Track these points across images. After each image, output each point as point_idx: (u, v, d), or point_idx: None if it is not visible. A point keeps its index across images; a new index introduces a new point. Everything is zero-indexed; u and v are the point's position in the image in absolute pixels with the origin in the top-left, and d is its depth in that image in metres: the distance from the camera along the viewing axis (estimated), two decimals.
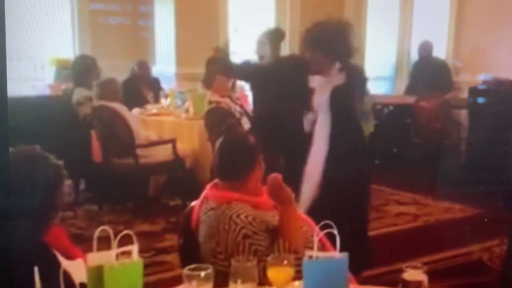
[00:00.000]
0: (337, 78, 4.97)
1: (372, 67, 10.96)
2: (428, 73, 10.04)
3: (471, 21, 10.46)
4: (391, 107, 9.74)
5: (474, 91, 9.27)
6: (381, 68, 11.39)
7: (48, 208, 2.92)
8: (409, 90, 10.41)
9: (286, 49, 10.26)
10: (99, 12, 9.13)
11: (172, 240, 6.12)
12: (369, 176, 5.31)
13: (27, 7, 8.26)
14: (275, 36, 6.59)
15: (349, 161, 4.89)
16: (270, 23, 10.68)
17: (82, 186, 7.44)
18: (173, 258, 5.60)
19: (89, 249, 2.38)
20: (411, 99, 9.86)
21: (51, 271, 2.42)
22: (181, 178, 7.26)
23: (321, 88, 5.01)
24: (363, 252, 4.80)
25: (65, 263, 2.63)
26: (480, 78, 9.64)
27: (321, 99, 4.98)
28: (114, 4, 9.21)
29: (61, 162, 2.99)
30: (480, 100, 9.07)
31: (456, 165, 8.68)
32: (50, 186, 2.92)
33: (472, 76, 9.87)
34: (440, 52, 10.63)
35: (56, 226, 2.98)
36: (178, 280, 2.66)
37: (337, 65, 4.99)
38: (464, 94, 9.65)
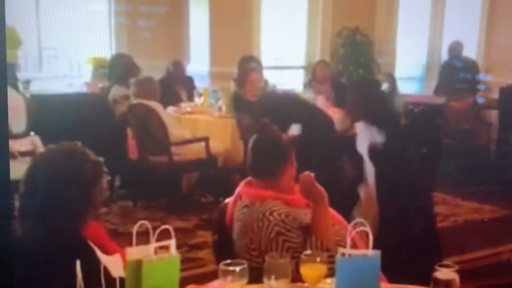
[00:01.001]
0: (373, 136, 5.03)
1: (403, 67, 10.97)
2: (457, 73, 10.01)
3: (503, 22, 10.40)
4: (421, 107, 9.72)
5: (504, 92, 9.26)
6: (412, 68, 11.38)
7: (86, 203, 2.98)
8: (438, 90, 10.38)
9: (317, 50, 10.33)
10: (136, 12, 9.19)
11: (204, 236, 6.19)
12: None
13: (64, 5, 8.35)
14: None
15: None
16: (302, 23, 10.72)
17: (117, 182, 7.49)
18: (205, 254, 5.67)
19: (124, 244, 2.44)
20: (441, 99, 9.83)
21: (90, 265, 2.49)
22: (214, 176, 7.32)
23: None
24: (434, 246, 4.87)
25: (104, 258, 2.69)
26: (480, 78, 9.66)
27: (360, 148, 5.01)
28: (150, 4, 9.26)
29: (101, 159, 3.04)
30: (511, 99, 9.04)
31: (486, 166, 8.66)
32: (88, 181, 2.97)
33: (503, 77, 9.83)
34: (471, 52, 10.59)
35: (94, 222, 3.03)
36: (210, 276, 2.73)
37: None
38: (495, 95, 9.63)
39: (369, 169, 4.92)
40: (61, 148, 3.01)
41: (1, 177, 2.59)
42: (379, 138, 4.92)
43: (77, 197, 2.90)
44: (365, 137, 4.95)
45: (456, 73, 10.04)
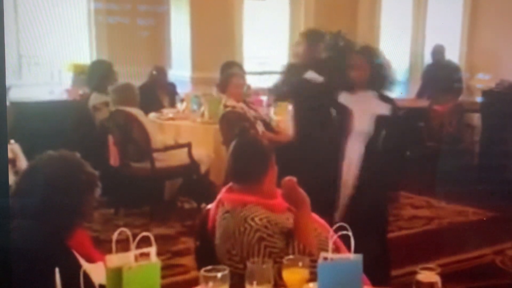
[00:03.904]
0: (380, 107, 5.01)
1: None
2: (440, 77, 10.04)
3: (484, 25, 10.45)
4: (404, 111, 9.73)
5: (486, 94, 9.30)
6: (395, 72, 11.38)
7: (75, 213, 2.96)
8: (420, 93, 10.42)
9: None
10: (117, 19, 9.16)
11: (187, 243, 6.16)
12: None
13: (44, 13, 8.31)
14: (310, 37, 6.55)
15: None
16: (284, 27, 10.72)
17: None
18: (188, 261, 5.64)
19: (105, 251, 2.42)
20: (424, 103, 9.85)
21: (72, 273, 2.46)
22: (197, 182, 7.29)
23: (361, 113, 5.02)
24: (382, 255, 4.84)
25: (85, 265, 2.67)
26: (479, 77, 9.70)
27: (361, 125, 5.00)
28: (131, 11, 9.24)
29: (96, 172, 3.03)
30: (492, 102, 9.08)
31: (469, 168, 8.69)
32: (80, 192, 2.96)
33: (485, 80, 9.87)
34: (453, 55, 10.62)
35: (81, 231, 3.02)
36: (193, 283, 2.70)
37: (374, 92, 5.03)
38: (476, 98, 9.68)
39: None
40: (59, 156, 3.00)
41: (0, 177, 2.56)
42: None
43: (68, 205, 2.89)
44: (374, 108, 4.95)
45: (438, 76, 10.08)
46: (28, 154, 4.87)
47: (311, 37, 6.56)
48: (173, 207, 7.42)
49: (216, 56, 8.92)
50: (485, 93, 9.32)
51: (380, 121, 4.94)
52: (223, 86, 7.43)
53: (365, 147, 4.95)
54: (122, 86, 7.25)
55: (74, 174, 2.95)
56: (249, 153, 3.41)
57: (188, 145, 7.11)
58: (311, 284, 2.65)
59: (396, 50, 11.25)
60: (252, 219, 3.15)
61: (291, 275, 2.64)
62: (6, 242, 2.53)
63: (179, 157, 7.15)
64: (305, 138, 5.57)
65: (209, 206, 3.49)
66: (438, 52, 10.33)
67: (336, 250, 2.80)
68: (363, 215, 4.66)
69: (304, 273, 2.63)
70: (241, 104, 7.19)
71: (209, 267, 2.54)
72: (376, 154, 4.95)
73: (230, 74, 7.63)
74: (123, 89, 7.17)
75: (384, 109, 5.00)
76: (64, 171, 2.95)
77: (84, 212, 3.00)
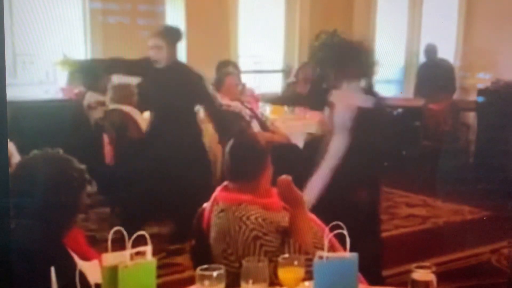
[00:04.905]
0: (362, 100, 4.89)
1: (381, 70, 10.98)
2: (433, 75, 10.05)
3: (480, 24, 10.46)
4: (400, 110, 9.74)
5: (482, 93, 9.31)
6: (390, 71, 11.39)
7: (71, 210, 2.96)
8: (417, 92, 10.43)
9: (295, 54, 10.33)
10: (112, 16, 9.15)
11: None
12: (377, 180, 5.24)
13: (39, 11, 8.29)
14: (171, 37, 6.43)
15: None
16: (279, 27, 10.71)
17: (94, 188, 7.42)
18: (184, 260, 5.64)
19: (101, 251, 2.42)
20: (420, 102, 9.86)
21: (68, 271, 2.46)
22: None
23: (341, 106, 4.91)
24: (372, 254, 4.80)
25: (80, 264, 2.66)
26: (480, 76, 9.71)
27: (341, 118, 4.85)
28: (128, 11, 9.22)
29: (83, 166, 3.02)
30: (488, 101, 9.09)
31: (465, 167, 8.70)
32: (74, 189, 2.95)
33: (480, 78, 9.89)
34: (449, 54, 10.63)
35: (75, 229, 3.01)
36: (189, 281, 2.70)
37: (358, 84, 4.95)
38: (472, 96, 9.69)
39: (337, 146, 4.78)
40: (46, 155, 2.99)
41: (0, 177, 2.55)
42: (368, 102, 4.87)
43: (65, 204, 2.88)
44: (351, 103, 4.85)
45: (432, 75, 10.09)
46: (23, 153, 4.87)
47: (170, 36, 6.44)
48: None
49: (211, 55, 8.90)
50: (481, 91, 9.32)
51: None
52: (218, 85, 7.42)
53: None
54: (120, 85, 7.23)
55: (65, 172, 2.94)
56: (246, 152, 3.41)
57: None
58: (306, 283, 2.65)
59: (392, 49, 11.25)
60: (248, 218, 3.15)
61: (286, 273, 2.63)
62: (6, 241, 2.53)
63: None
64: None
65: (204, 205, 3.49)
66: (430, 51, 10.34)
67: (332, 249, 2.80)
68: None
69: (300, 271, 2.63)
70: (236, 103, 7.18)
71: (204, 266, 2.53)
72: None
73: (225, 73, 7.63)
74: (120, 88, 7.16)
75: None
76: (55, 171, 2.94)
77: (77, 209, 3.00)
